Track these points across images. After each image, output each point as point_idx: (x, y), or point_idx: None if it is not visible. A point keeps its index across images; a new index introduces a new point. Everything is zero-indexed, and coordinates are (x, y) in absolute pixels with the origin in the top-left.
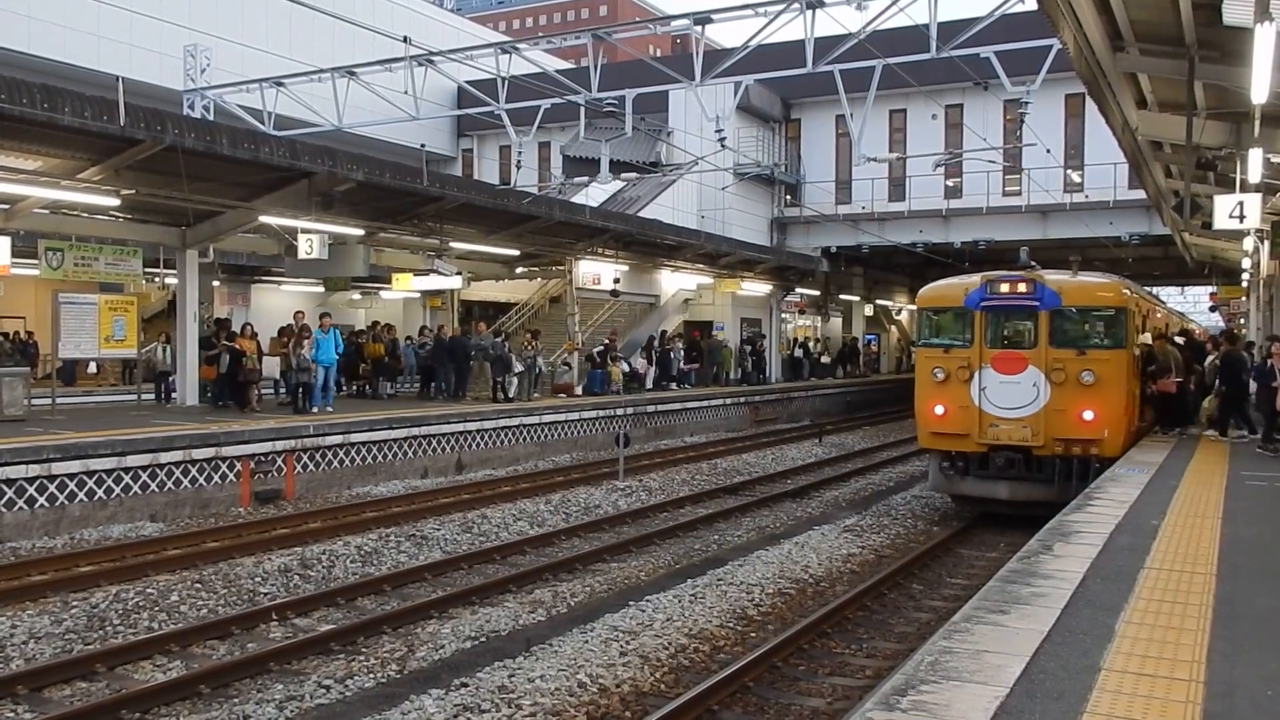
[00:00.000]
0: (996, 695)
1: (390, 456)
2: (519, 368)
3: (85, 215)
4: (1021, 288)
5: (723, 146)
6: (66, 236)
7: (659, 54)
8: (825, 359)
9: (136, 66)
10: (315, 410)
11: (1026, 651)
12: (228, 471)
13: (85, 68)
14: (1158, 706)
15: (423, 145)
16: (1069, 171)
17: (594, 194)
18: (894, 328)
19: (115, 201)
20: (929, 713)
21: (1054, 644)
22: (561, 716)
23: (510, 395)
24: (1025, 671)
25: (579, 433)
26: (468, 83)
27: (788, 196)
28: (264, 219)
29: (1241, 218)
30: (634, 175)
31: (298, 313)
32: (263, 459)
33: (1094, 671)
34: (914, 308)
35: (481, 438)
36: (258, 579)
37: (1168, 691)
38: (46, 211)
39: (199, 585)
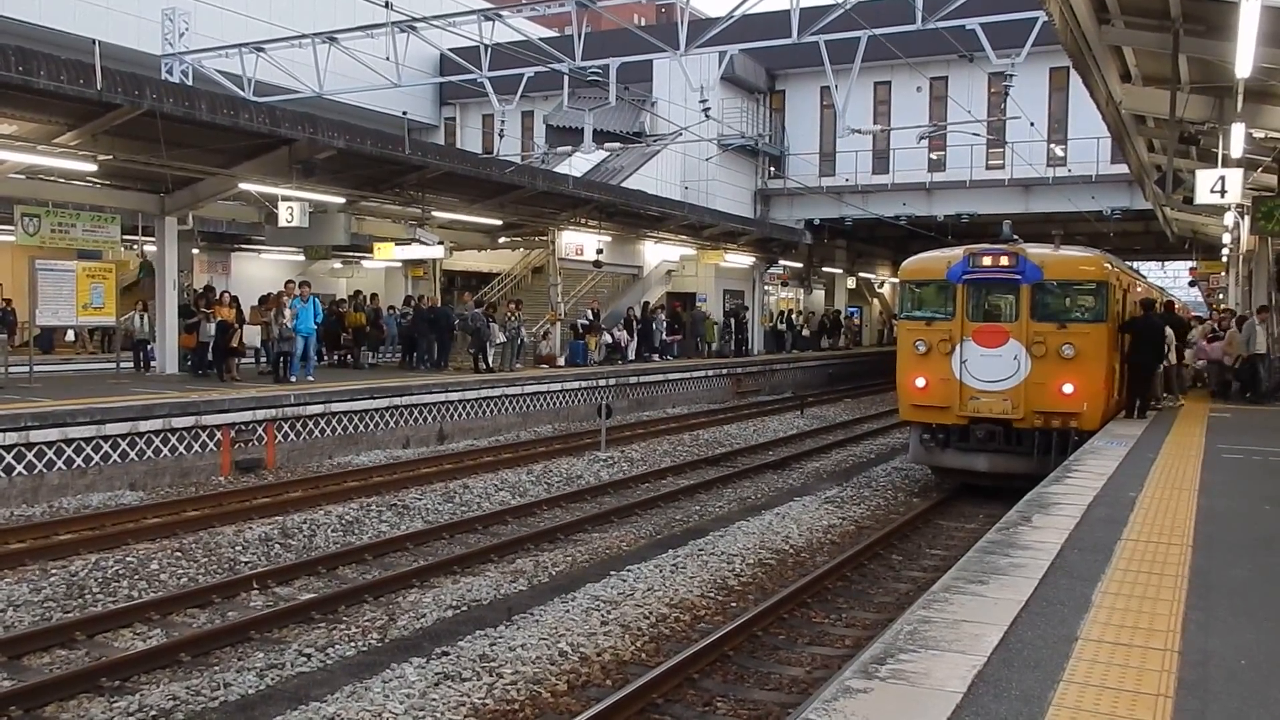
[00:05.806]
0: (974, 664)
1: (372, 426)
2: (501, 338)
3: (62, 181)
4: (1004, 261)
5: (707, 117)
6: (43, 202)
7: (644, 23)
8: (807, 331)
9: (113, 30)
10: (295, 379)
11: (1004, 621)
12: (208, 440)
13: (60, 30)
14: (1134, 675)
15: (405, 113)
16: (1052, 145)
17: (577, 164)
18: (876, 300)
19: (92, 167)
20: (907, 681)
21: (1032, 614)
22: (542, 685)
23: (490, 365)
24: (1003, 641)
25: (561, 403)
26: (450, 50)
27: (771, 168)
28: (244, 186)
29: (1223, 192)
30: (617, 145)
31: (289, 282)
32: (243, 428)
33: (1071, 641)
34: (896, 280)
35: (464, 408)
36: (238, 548)
37: (1143, 661)
38: (22, 177)
39: (179, 554)
